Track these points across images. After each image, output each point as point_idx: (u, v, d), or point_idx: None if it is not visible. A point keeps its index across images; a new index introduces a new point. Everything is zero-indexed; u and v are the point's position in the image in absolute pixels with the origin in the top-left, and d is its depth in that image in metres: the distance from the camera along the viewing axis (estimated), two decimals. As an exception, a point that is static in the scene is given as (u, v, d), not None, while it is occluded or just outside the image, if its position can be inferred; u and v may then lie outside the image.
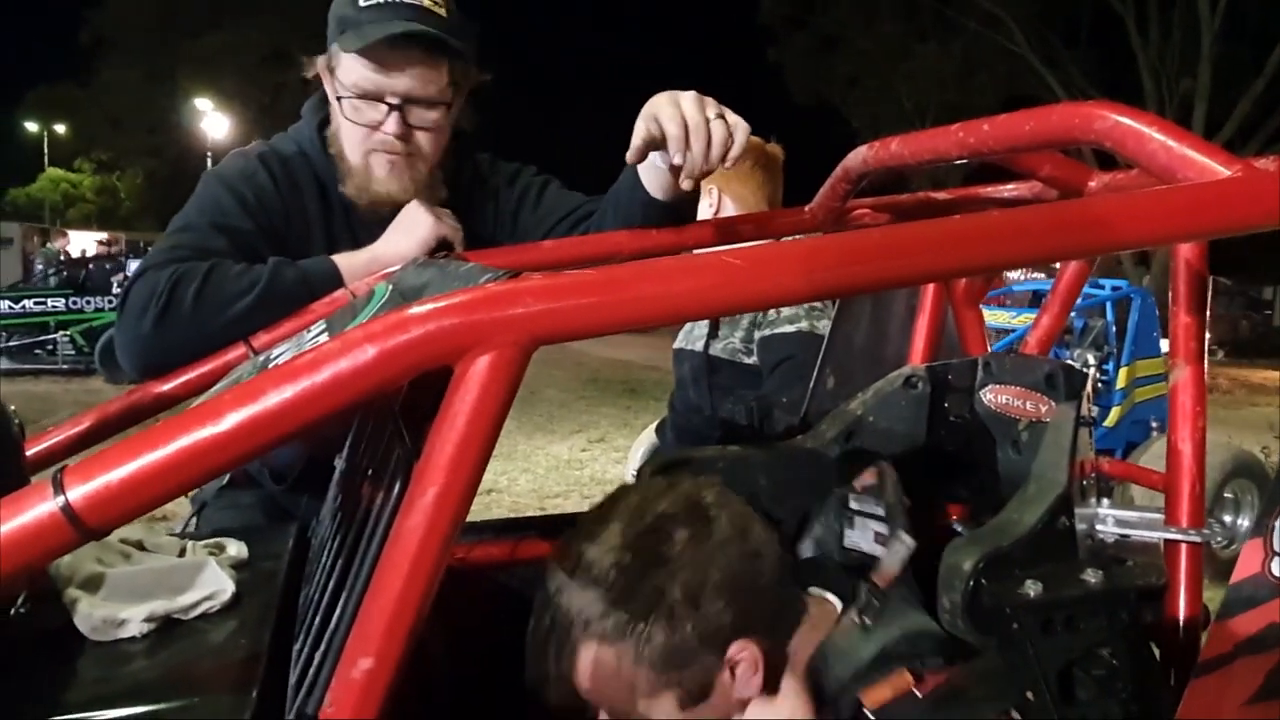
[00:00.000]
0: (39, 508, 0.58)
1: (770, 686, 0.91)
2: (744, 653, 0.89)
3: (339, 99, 1.36)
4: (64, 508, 0.57)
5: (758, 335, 1.87)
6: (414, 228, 1.35)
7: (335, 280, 1.30)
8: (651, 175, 1.37)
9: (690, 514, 0.91)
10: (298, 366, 0.61)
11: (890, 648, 0.88)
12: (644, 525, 0.91)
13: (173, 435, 0.59)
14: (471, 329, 0.62)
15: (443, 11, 1.35)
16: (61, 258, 14.41)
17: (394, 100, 1.35)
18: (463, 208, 1.46)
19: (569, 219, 1.52)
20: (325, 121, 1.44)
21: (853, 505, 1.04)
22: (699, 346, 1.98)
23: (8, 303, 10.31)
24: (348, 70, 1.34)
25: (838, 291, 0.91)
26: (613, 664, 0.88)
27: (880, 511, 1.02)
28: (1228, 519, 4.72)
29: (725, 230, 1.41)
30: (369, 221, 1.41)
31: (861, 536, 1.03)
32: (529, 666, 0.94)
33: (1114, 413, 5.23)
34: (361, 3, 1.32)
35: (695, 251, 1.37)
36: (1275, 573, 0.85)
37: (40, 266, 14.19)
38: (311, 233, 1.41)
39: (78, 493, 0.58)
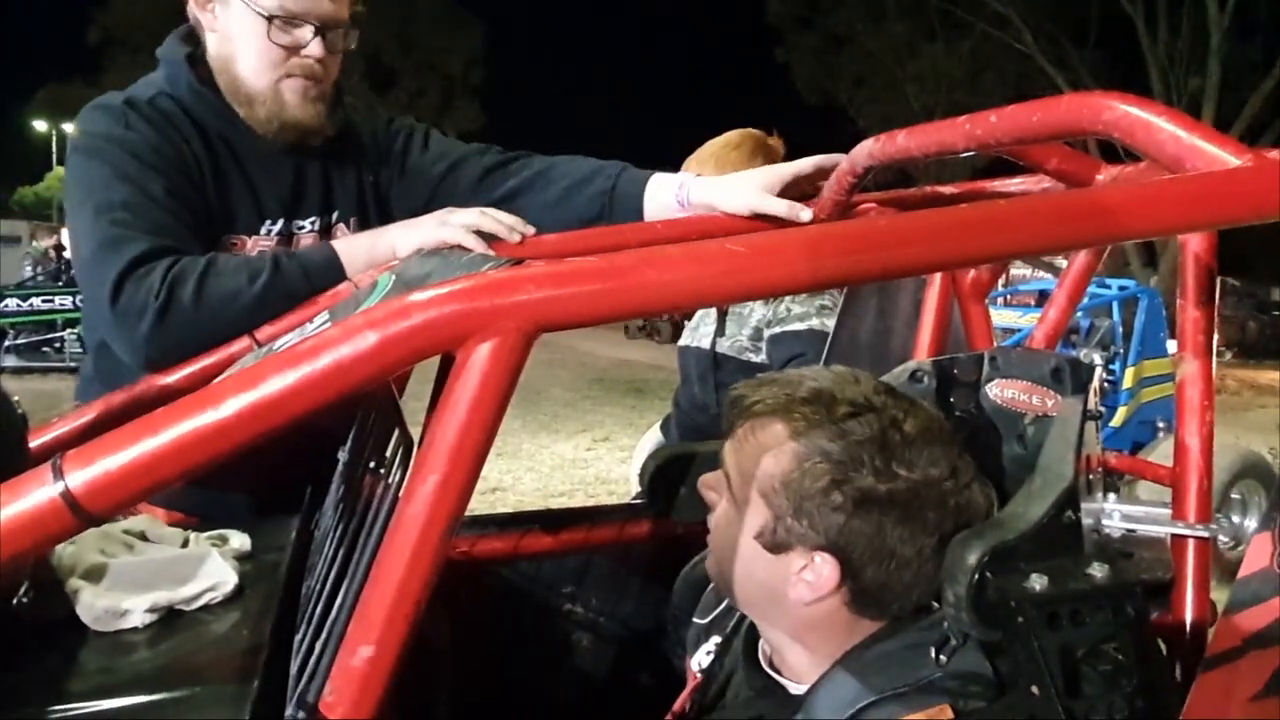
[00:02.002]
0: (38, 493, 0.58)
1: (808, 616, 0.92)
2: (825, 568, 0.89)
3: (270, 19, 1.32)
4: (64, 493, 0.57)
5: (768, 333, 1.86)
6: (421, 225, 1.32)
7: (334, 265, 1.28)
8: (661, 194, 1.42)
9: (932, 459, 0.91)
10: (299, 353, 0.61)
11: (939, 682, 0.87)
12: (896, 414, 0.92)
13: (173, 421, 0.59)
14: (473, 315, 0.61)
15: None
16: (52, 253, 14.37)
17: (316, 23, 1.34)
18: (348, 137, 1.47)
19: (478, 159, 1.53)
20: (192, 55, 1.40)
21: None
22: (705, 344, 1.97)
23: (16, 300, 10.34)
24: None
25: (842, 280, 0.90)
26: (775, 447, 0.91)
27: None
28: (1235, 520, 4.70)
29: (730, 223, 1.41)
30: (260, 154, 1.40)
31: None
32: (743, 386, 0.98)
33: (1120, 413, 5.20)
34: None
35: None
36: (1283, 567, 0.84)
37: (28, 268, 14.15)
38: (202, 172, 1.37)
39: (78, 478, 0.58)
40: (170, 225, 1.28)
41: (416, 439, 0.75)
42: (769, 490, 0.91)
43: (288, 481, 1.34)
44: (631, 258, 0.65)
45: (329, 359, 0.60)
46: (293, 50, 1.35)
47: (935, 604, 0.98)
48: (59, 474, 0.58)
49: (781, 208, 1.35)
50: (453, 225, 1.27)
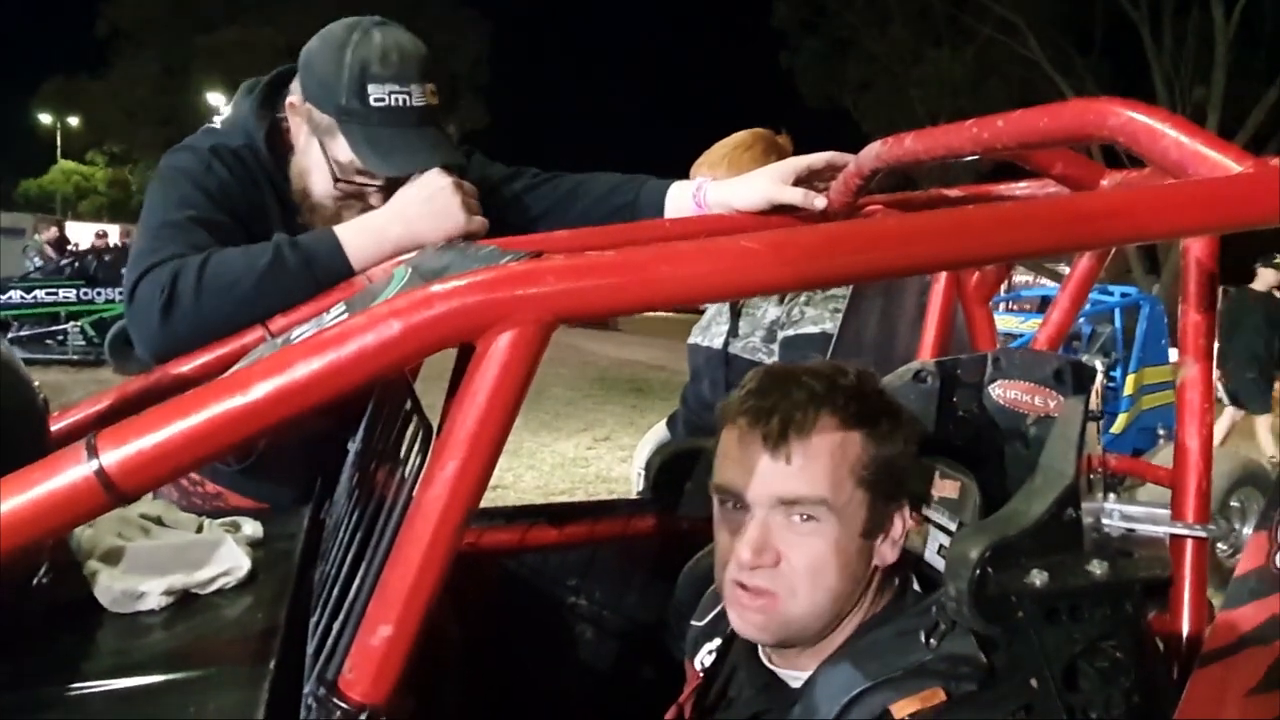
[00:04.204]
0: (72, 471, 0.59)
1: (857, 588, 0.97)
2: (906, 510, 0.98)
3: (332, 165, 1.36)
4: (98, 472, 0.59)
5: (781, 335, 1.86)
6: (440, 219, 1.31)
7: (337, 253, 1.28)
8: (680, 200, 1.44)
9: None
10: (325, 340, 0.63)
11: (931, 665, 0.89)
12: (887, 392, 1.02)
13: (204, 403, 0.60)
14: (495, 306, 0.63)
15: (438, 100, 1.35)
16: (48, 249, 14.35)
17: (382, 183, 1.36)
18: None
19: (513, 183, 1.55)
20: (272, 129, 1.42)
21: (922, 510, 1.06)
22: (717, 344, 1.97)
23: (19, 293, 10.36)
24: (346, 152, 1.34)
25: (854, 278, 0.92)
26: (839, 437, 0.94)
27: (952, 528, 1.03)
28: (1234, 526, 4.71)
29: (740, 221, 1.42)
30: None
31: (922, 542, 1.06)
32: (755, 395, 0.97)
33: (1121, 419, 5.22)
34: (372, 99, 1.30)
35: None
36: (1279, 565, 0.86)
37: (31, 260, 14.14)
38: (271, 226, 1.39)
39: (111, 457, 0.59)
40: (212, 246, 1.29)
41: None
42: (862, 473, 0.94)
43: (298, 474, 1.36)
44: (649, 252, 0.67)
45: (354, 346, 0.62)
46: (357, 196, 1.38)
47: (919, 588, 1.02)
48: (93, 452, 0.59)
49: (797, 196, 1.37)
50: (479, 220, 1.29)
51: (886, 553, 0.97)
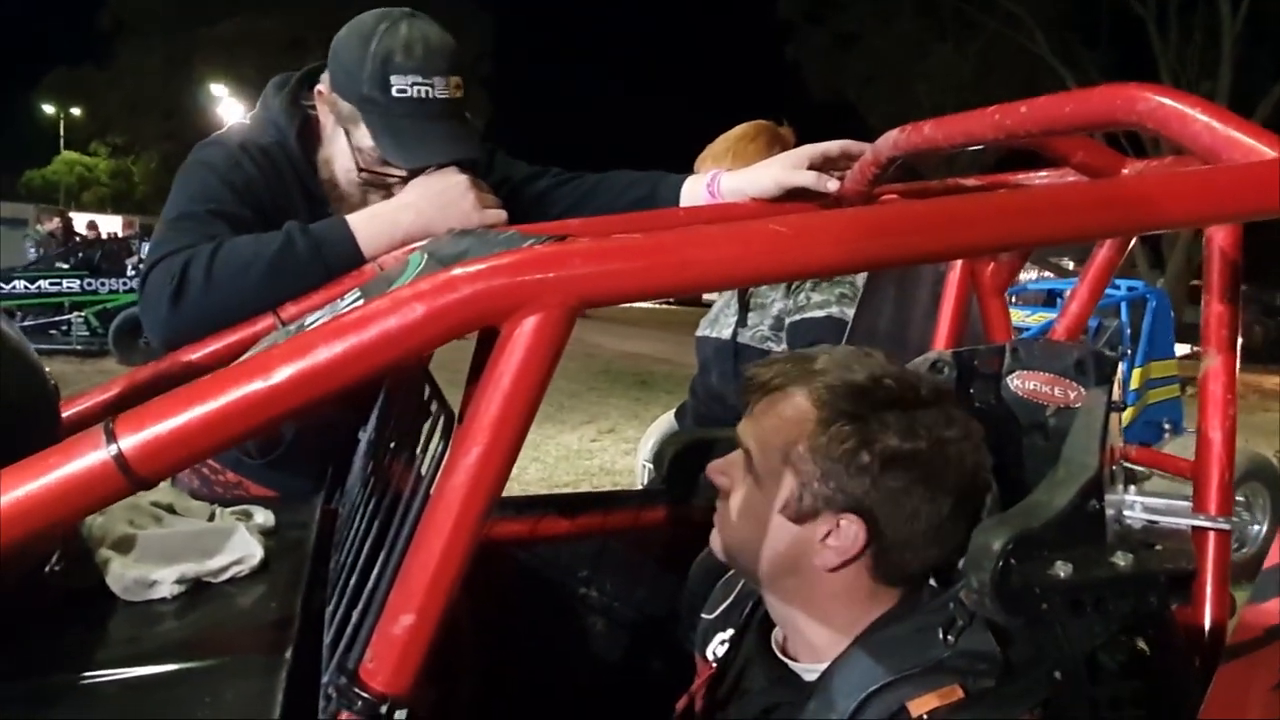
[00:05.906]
0: (91, 455, 0.58)
1: (830, 586, 0.94)
2: (852, 529, 0.91)
3: (355, 154, 1.37)
4: (116, 456, 0.58)
5: (788, 321, 1.87)
6: (450, 210, 1.30)
7: (348, 241, 1.27)
8: (694, 193, 1.45)
9: (948, 421, 0.95)
10: (346, 324, 0.61)
11: (949, 661, 0.88)
12: (911, 380, 0.97)
13: (224, 388, 0.59)
14: (520, 289, 0.62)
15: (461, 93, 1.35)
16: (64, 236, 14.33)
17: (405, 174, 1.36)
18: None
19: (536, 183, 1.55)
20: (304, 124, 1.43)
21: None
22: (726, 334, 1.97)
23: (23, 283, 10.36)
24: (368, 141, 1.35)
25: (881, 262, 0.91)
26: (794, 416, 0.94)
27: None
28: (1240, 522, 4.70)
29: (753, 208, 1.41)
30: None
31: None
32: (777, 358, 1.00)
33: (1127, 413, 5.20)
34: (394, 90, 1.30)
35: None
36: (1309, 558, 0.84)
37: (31, 251, 14.10)
38: (298, 218, 1.38)
39: (129, 442, 0.58)
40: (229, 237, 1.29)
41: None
42: (796, 458, 0.93)
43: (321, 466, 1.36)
44: (675, 236, 0.66)
45: (376, 329, 0.61)
46: (380, 186, 1.39)
47: (934, 583, 0.99)
48: (111, 437, 0.58)
49: (809, 179, 1.37)
50: (492, 214, 1.29)
51: (829, 556, 0.93)
